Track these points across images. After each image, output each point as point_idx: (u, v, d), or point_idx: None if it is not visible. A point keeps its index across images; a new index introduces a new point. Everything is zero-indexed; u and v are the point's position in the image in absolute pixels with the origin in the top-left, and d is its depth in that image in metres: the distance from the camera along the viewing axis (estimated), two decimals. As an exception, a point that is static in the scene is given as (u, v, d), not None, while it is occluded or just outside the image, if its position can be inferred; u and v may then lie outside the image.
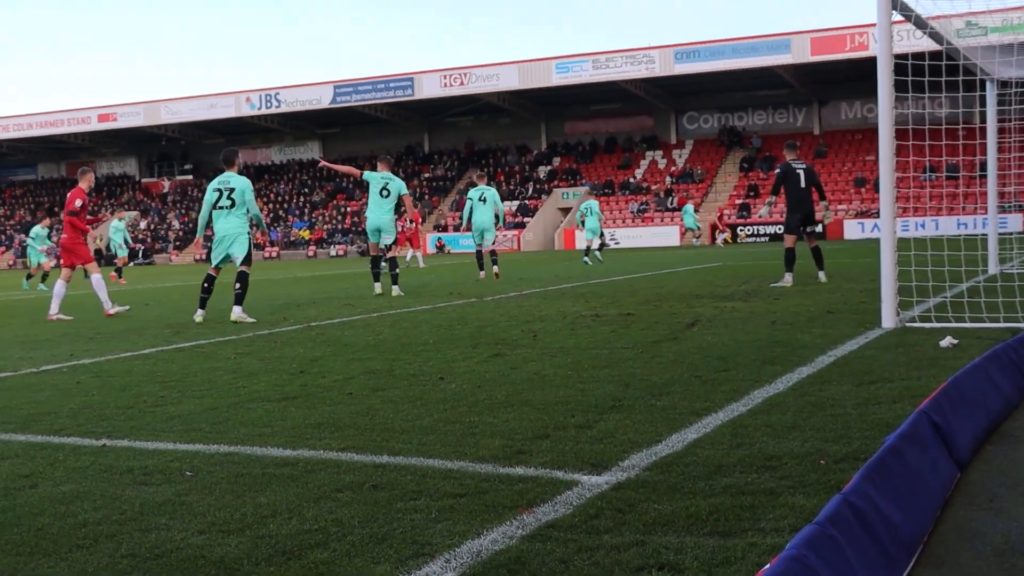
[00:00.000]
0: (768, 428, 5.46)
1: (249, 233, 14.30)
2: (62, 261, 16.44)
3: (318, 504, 4.39)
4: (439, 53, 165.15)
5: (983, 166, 19.66)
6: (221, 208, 14.20)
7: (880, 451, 3.91)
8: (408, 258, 35.10)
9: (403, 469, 4.93)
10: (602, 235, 33.53)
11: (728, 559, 3.50)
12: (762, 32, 57.08)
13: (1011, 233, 31.77)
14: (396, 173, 69.58)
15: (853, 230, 52.23)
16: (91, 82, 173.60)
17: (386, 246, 18.30)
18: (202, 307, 14.25)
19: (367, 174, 18.26)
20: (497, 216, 23.31)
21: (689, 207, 49.37)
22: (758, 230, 54.28)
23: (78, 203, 16.09)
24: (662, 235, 57.00)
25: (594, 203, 33.33)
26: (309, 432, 5.90)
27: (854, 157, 60.53)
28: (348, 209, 68.91)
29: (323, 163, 20.55)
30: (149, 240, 71.73)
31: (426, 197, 67.52)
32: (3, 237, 77.97)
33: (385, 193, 18.01)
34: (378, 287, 18.16)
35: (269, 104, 67.87)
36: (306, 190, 73.69)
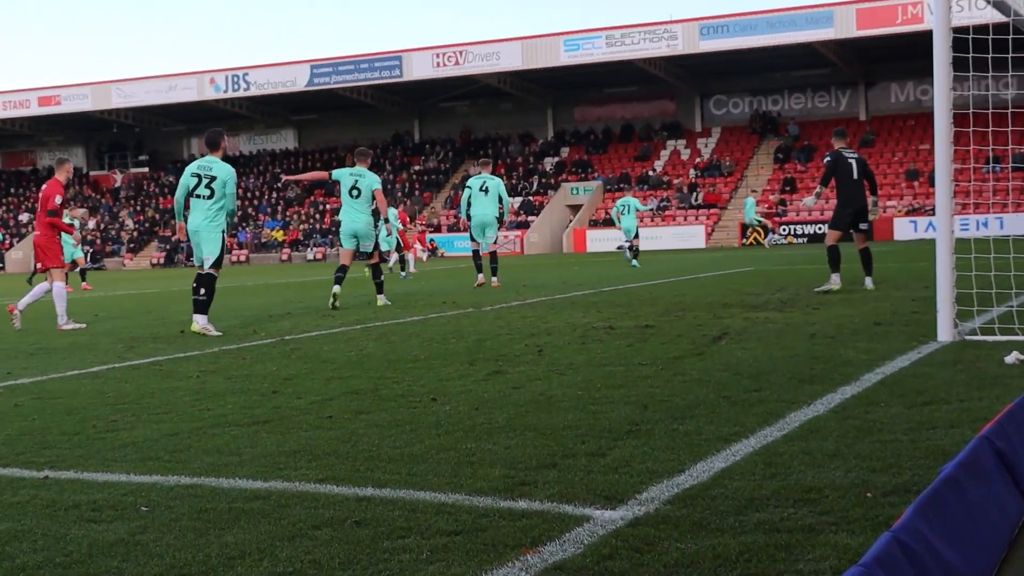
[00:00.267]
0: (806, 456, 5.47)
1: (223, 231, 14.36)
2: (39, 265, 16.69)
3: (293, 543, 4.40)
4: (431, 28, 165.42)
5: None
6: (198, 196, 14.30)
7: (935, 483, 3.91)
8: (412, 266, 35.05)
9: (390, 503, 4.93)
10: (637, 236, 34.07)
11: (761, 606, 3.50)
12: (800, 3, 56.86)
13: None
14: (382, 167, 69.84)
15: (904, 230, 52.24)
16: (30, 59, 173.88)
17: (367, 254, 18.21)
18: (197, 312, 14.32)
19: (336, 172, 18.07)
20: (501, 211, 22.49)
21: (751, 200, 49.34)
22: (794, 230, 54.32)
23: (57, 200, 16.25)
24: (685, 236, 57.06)
25: (633, 200, 34.46)
26: (283, 461, 5.90)
27: (905, 146, 60.59)
28: (327, 207, 68.99)
29: (286, 178, 20.57)
30: (99, 242, 71.64)
31: (416, 193, 67.60)
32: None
33: (355, 192, 17.72)
34: (336, 289, 17.53)
35: (237, 86, 67.95)
36: (279, 185, 73.80)
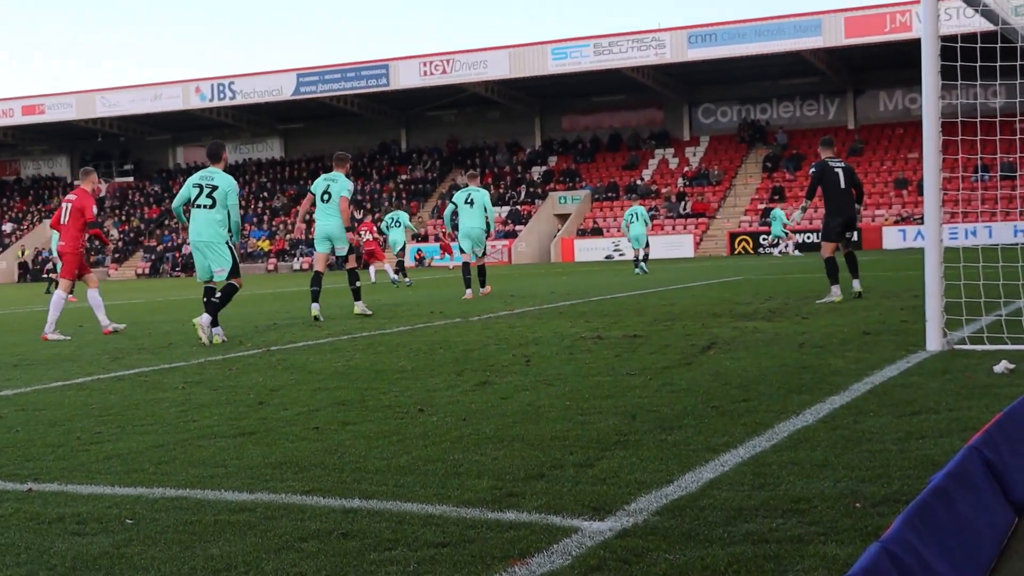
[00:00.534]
0: (795, 466, 5.48)
1: (228, 241, 14.40)
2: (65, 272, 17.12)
3: (279, 556, 4.39)
4: (418, 37, 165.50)
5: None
6: (200, 207, 14.35)
7: (924, 493, 3.92)
8: (372, 276, 35.14)
9: (377, 515, 4.93)
10: (647, 244, 34.97)
11: (750, 617, 3.51)
12: (788, 11, 57.29)
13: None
14: (369, 176, 69.79)
15: (893, 238, 52.40)
16: (14, 68, 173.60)
17: (342, 258, 18.10)
18: (214, 324, 14.32)
19: (312, 187, 18.06)
20: (487, 223, 22.21)
21: (780, 212, 49.41)
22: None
23: (94, 210, 16.77)
24: (674, 245, 57.10)
25: (641, 208, 35.12)
26: (269, 473, 5.90)
27: (894, 155, 60.78)
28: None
29: (298, 229, 20.61)
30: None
31: (404, 202, 67.60)
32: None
33: (326, 197, 17.61)
34: (315, 308, 17.23)
35: (222, 95, 67.96)
36: (265, 194, 73.76)
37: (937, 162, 10.25)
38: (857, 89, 64.13)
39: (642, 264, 34.12)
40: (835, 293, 16.50)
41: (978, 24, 11.87)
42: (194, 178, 14.60)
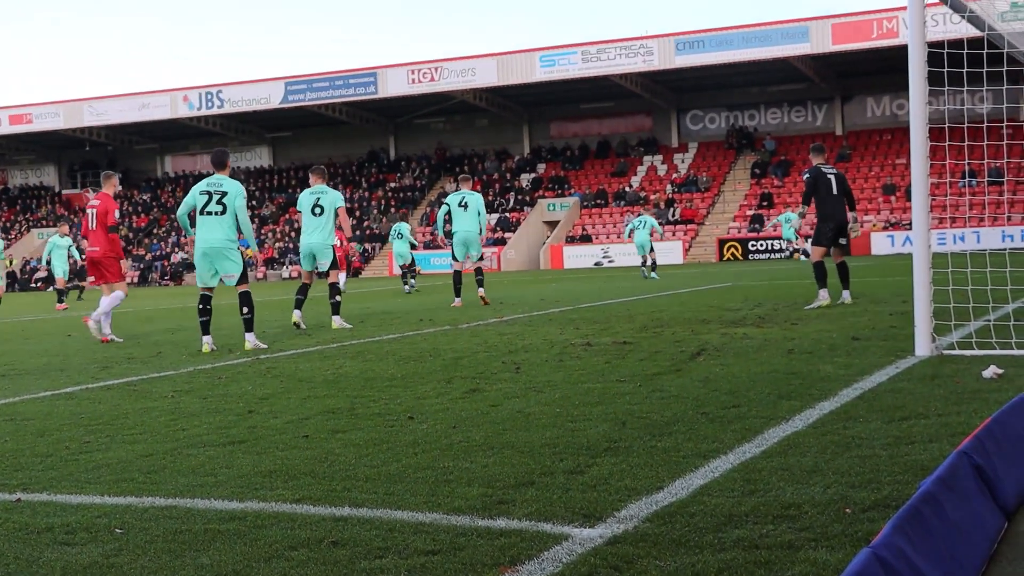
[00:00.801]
0: (785, 472, 5.48)
1: (239, 248, 14.41)
2: (94, 278, 17.43)
3: (269, 564, 4.39)
4: (406, 45, 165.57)
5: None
6: (209, 214, 14.34)
7: (914, 498, 3.93)
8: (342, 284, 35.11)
9: (367, 523, 4.92)
10: (652, 250, 35.97)
11: (741, 623, 3.51)
12: (776, 18, 57.29)
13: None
14: (357, 184, 69.74)
15: (882, 244, 52.49)
16: (1, 77, 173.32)
17: (323, 272, 17.94)
18: (206, 332, 14.38)
19: (298, 203, 17.92)
20: (480, 227, 21.99)
21: (791, 215, 49.46)
22: (771, 245, 54.53)
23: (117, 214, 17.15)
24: (663, 252, 56.87)
25: (649, 218, 36.43)
26: (259, 481, 5.89)
27: (882, 160, 60.89)
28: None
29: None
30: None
31: (392, 211, 67.58)
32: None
33: (318, 210, 17.42)
34: (297, 314, 17.34)
35: (210, 104, 67.87)
36: (253, 203, 73.65)
37: (925, 168, 10.28)
38: (845, 95, 64.24)
39: (652, 273, 34.83)
40: (823, 297, 16.55)
41: (964, 30, 11.92)
42: (201, 185, 14.57)
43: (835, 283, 17.50)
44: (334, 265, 17.76)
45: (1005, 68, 11.31)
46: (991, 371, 8.38)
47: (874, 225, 54.54)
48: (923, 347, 10.00)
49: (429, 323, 17.34)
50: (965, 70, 10.86)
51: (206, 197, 14.37)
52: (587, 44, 60.05)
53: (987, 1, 12.14)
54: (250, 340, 14.24)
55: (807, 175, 17.32)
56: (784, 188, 59.82)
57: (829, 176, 17.04)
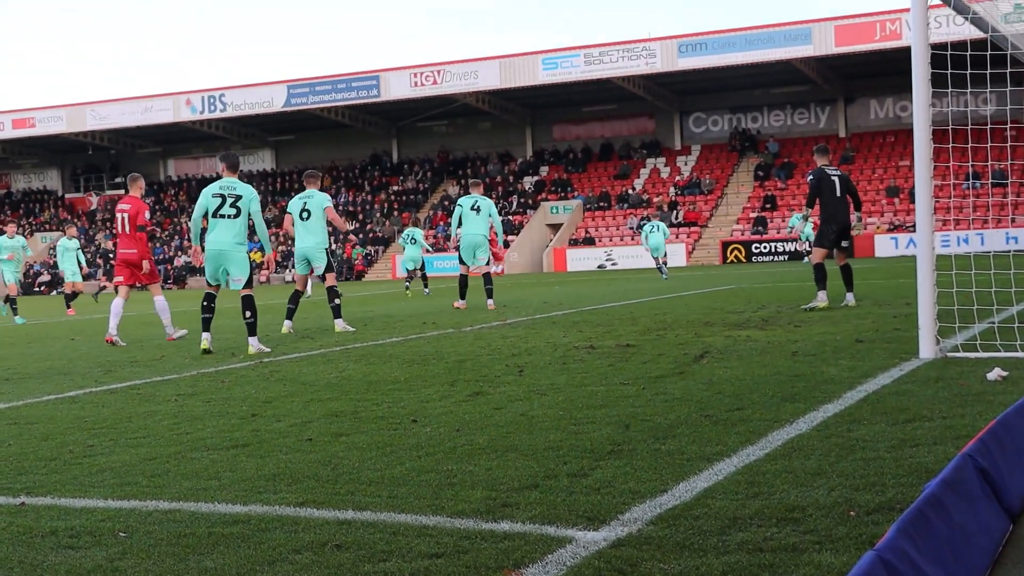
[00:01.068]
0: (789, 475, 5.48)
1: (248, 252, 14.45)
2: (122, 278, 17.32)
3: (273, 568, 4.39)
4: (408, 48, 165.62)
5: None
6: (222, 216, 14.35)
7: (918, 501, 3.93)
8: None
9: (371, 526, 4.92)
10: (665, 253, 38.34)
11: (745, 626, 3.51)
12: (779, 20, 57.11)
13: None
14: (360, 188, 69.71)
15: (885, 246, 52.45)
16: (4, 82, 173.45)
17: (319, 276, 17.92)
18: (206, 330, 14.46)
19: (288, 207, 17.96)
20: (496, 233, 22.04)
21: (799, 216, 49.44)
22: (775, 247, 54.51)
23: (147, 215, 17.28)
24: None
25: (662, 224, 38.63)
26: (262, 485, 5.89)
27: (885, 162, 60.85)
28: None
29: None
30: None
31: (395, 214, 67.57)
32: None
33: (305, 215, 17.48)
34: (287, 325, 17.45)
35: (213, 107, 67.91)
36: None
37: (928, 170, 10.27)
38: (848, 97, 64.19)
39: (664, 270, 37.29)
40: (821, 299, 16.55)
41: (968, 32, 11.91)
42: (212, 188, 14.54)
43: (838, 286, 17.51)
44: (329, 268, 17.76)
45: (1009, 70, 11.31)
46: (995, 373, 8.37)
47: (878, 227, 54.51)
48: (927, 349, 10.00)
49: (432, 326, 17.34)
50: (968, 72, 10.86)
51: (219, 200, 14.38)
52: (590, 47, 60.09)
53: (990, 3, 12.14)
54: (253, 344, 14.25)
55: (811, 177, 17.35)
56: (787, 190, 59.80)
57: (833, 177, 17.06)
